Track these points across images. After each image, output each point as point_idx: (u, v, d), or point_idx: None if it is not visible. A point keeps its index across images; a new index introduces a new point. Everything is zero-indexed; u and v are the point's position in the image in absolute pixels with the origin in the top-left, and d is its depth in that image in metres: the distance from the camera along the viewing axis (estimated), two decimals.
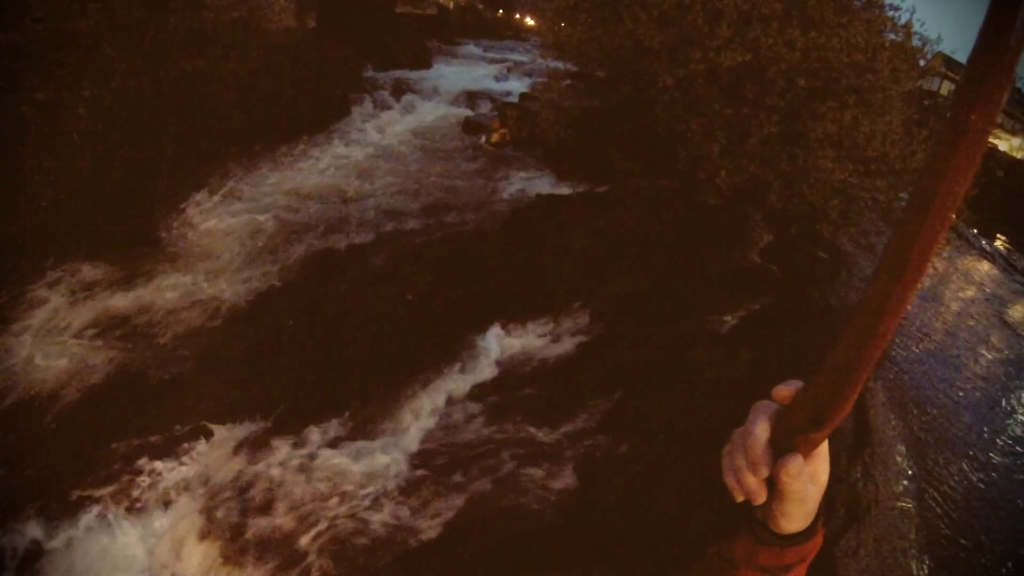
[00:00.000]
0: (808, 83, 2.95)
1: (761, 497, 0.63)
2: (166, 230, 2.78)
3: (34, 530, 1.96)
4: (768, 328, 2.22)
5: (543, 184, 2.63)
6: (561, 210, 2.63)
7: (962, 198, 0.49)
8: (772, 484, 0.62)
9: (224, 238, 2.70)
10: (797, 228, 2.75)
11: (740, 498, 0.64)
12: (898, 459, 2.03)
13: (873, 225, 3.36)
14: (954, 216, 0.46)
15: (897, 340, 2.25)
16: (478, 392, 2.27)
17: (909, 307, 0.50)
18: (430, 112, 2.95)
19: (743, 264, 2.49)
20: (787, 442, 0.62)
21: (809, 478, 0.62)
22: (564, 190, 2.61)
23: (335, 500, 2.11)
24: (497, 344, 2.34)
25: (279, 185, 2.88)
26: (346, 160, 2.81)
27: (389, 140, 2.92)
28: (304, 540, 2.05)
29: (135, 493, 2.08)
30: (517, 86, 3.12)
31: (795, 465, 0.60)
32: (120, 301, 2.47)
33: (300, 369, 2.31)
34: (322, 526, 2.07)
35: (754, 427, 0.63)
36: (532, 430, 2.19)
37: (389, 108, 2.99)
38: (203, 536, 2.04)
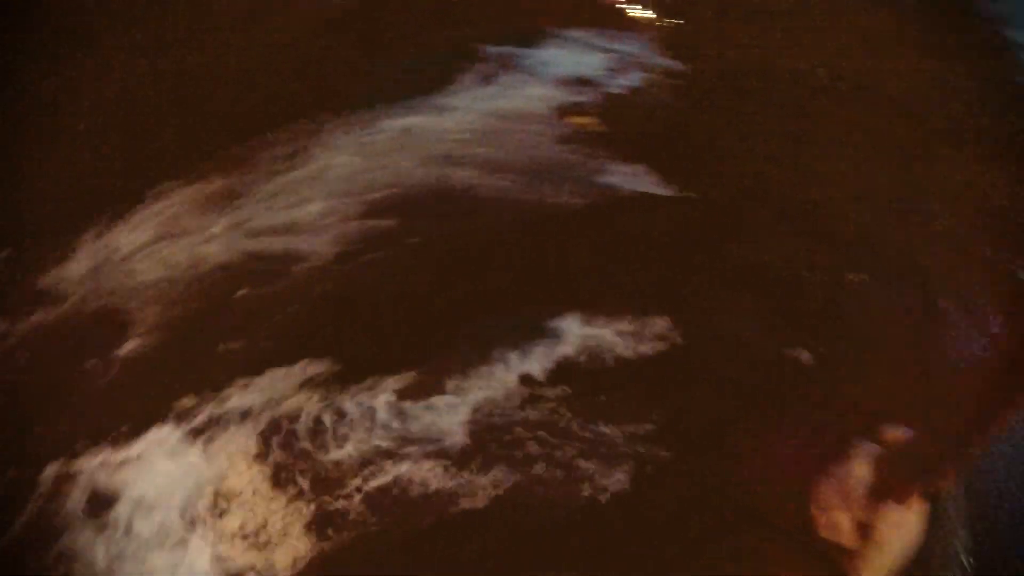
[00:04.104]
0: None
1: (850, 540, 0.62)
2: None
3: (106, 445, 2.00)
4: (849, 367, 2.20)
5: (638, 182, 2.60)
6: (655, 211, 2.60)
7: None
8: (864, 529, 0.60)
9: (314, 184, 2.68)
10: None
11: (825, 535, 0.62)
12: (961, 554, 2.01)
13: None
14: None
15: None
16: (549, 374, 2.26)
17: None
18: (533, 91, 2.90)
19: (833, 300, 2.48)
20: (891, 489, 0.60)
21: (901, 532, 0.61)
22: (660, 191, 2.58)
23: (392, 450, 2.12)
24: (574, 332, 2.32)
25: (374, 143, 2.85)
26: (439, 129, 2.77)
27: (487, 113, 2.88)
28: (353, 482, 2.06)
29: (200, 411, 2.10)
30: (625, 80, 3.07)
31: (899, 515, 0.59)
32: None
33: (378, 320, 2.31)
34: (373, 473, 2.08)
35: (855, 467, 0.61)
36: (594, 424, 2.19)
37: (493, 82, 2.93)
38: (256, 459, 2.05)
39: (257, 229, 2.36)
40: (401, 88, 2.92)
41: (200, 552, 1.91)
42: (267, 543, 1.93)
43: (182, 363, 2.22)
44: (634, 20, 3.27)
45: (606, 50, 3.23)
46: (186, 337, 2.25)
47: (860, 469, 0.53)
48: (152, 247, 2.22)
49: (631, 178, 2.82)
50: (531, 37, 3.05)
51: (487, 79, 3.22)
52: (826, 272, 2.54)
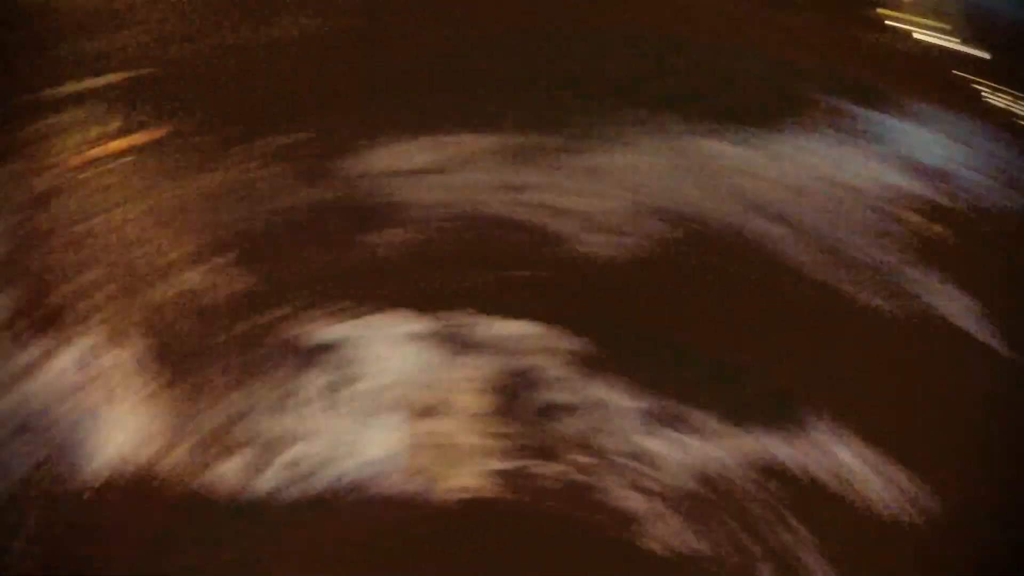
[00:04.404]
0: None
1: None
2: None
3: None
4: None
5: (963, 318, 2.18)
6: (971, 360, 2.17)
7: None
8: None
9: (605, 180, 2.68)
10: None
11: None
12: None
13: None
14: None
15: None
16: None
17: None
18: (863, 161, 2.58)
19: None
20: None
21: None
22: (990, 342, 2.14)
23: None
24: (820, 433, 2.05)
25: None
26: (751, 166, 2.59)
27: (804, 168, 2.63)
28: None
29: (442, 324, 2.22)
30: (976, 187, 2.61)
31: None
32: None
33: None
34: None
35: None
36: None
37: (819, 135, 2.67)
38: (479, 392, 2.12)
39: (549, 204, 2.42)
40: (729, 114, 2.77)
41: (386, 434, 2.04)
42: (453, 459, 2.01)
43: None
44: (993, 108, 2.72)
45: (959, 140, 2.74)
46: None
47: None
48: (436, 175, 2.38)
49: (955, 308, 2.37)
50: (870, 95, 2.66)
51: (814, 130, 2.91)
52: None
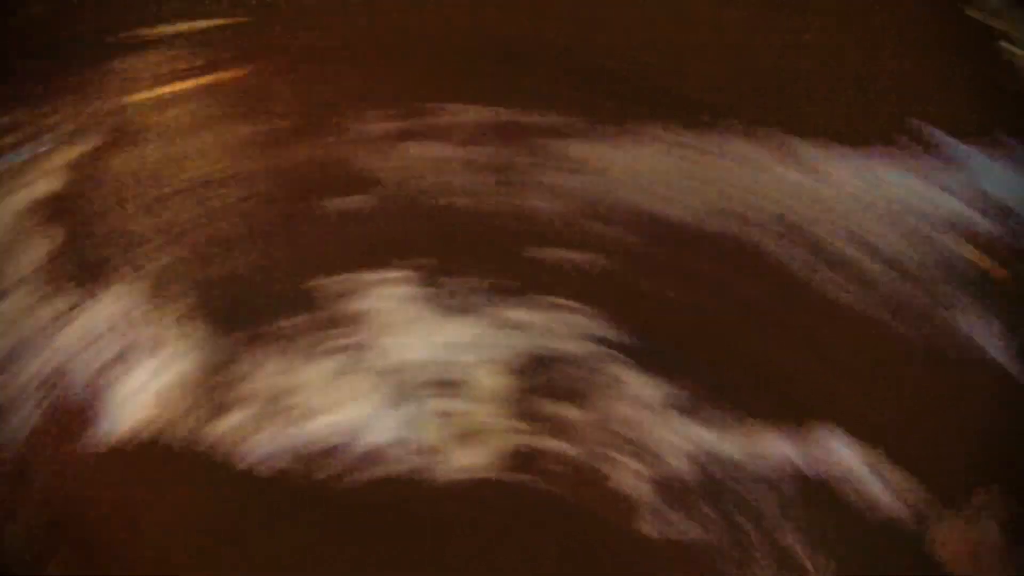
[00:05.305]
0: None
1: None
2: None
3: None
4: None
5: (997, 351, 2.12)
6: (991, 386, 2.12)
7: None
8: None
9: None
10: None
11: None
12: None
13: None
14: None
15: None
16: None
17: None
18: (938, 190, 2.53)
19: None
20: None
21: None
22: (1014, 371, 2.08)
23: None
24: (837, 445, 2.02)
25: None
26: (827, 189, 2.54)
27: (878, 190, 2.58)
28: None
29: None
30: None
31: None
32: None
33: None
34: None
35: None
36: None
37: (905, 162, 2.61)
38: (502, 370, 2.11)
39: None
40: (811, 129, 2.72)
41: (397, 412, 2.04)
42: (464, 437, 2.00)
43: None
44: None
45: None
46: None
47: None
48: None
49: (991, 342, 2.31)
50: (964, 129, 2.60)
51: (902, 158, 2.85)
52: None
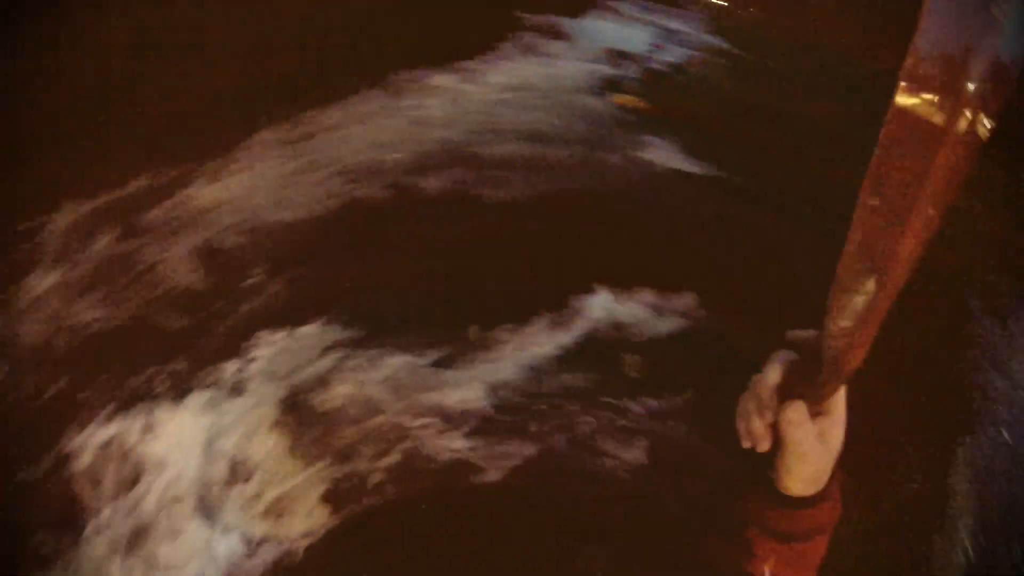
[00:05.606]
0: None
1: (764, 444, 0.62)
2: None
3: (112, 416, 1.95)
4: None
5: (675, 159, 2.56)
6: (689, 189, 2.56)
7: None
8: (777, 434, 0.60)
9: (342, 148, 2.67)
10: None
11: (746, 444, 0.63)
12: (964, 535, 1.98)
13: None
14: None
15: None
16: (573, 349, 2.26)
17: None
18: (572, 62, 2.86)
19: None
20: (794, 389, 0.60)
21: (818, 437, 0.60)
22: (697, 170, 2.54)
23: (413, 418, 2.12)
24: (598, 307, 2.31)
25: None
26: (474, 97, 2.75)
27: (525, 83, 2.85)
28: (374, 450, 2.07)
29: (214, 379, 2.09)
30: (669, 57, 3.01)
31: (795, 410, 0.58)
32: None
33: (406, 282, 2.32)
34: (390, 443, 2.09)
35: (766, 370, 0.61)
36: (616, 399, 2.18)
37: (534, 51, 2.90)
38: (274, 427, 2.06)
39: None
40: (438, 54, 2.91)
41: (216, 523, 1.91)
42: (284, 513, 1.94)
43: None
44: None
45: (653, 25, 3.18)
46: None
47: (772, 370, 0.53)
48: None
49: (666, 155, 2.78)
50: (576, 6, 3.00)
51: (528, 48, 3.20)
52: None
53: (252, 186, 2.42)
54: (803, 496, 0.61)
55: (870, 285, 0.48)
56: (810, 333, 0.59)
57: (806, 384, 0.58)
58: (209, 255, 2.23)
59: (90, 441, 1.88)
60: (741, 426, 0.62)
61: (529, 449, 2.11)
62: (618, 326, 2.27)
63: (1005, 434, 1.95)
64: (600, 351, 2.22)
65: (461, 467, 2.08)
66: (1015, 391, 2.12)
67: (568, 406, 2.17)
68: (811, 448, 0.60)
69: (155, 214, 2.25)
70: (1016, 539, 1.89)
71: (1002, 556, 1.85)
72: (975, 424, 2.05)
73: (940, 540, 1.90)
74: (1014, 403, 2.18)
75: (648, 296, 2.31)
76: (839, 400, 0.58)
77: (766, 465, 0.63)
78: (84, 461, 1.86)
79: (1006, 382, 2.14)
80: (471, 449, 2.10)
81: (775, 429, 0.60)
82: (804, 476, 0.61)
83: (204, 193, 2.32)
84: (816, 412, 0.59)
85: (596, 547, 1.90)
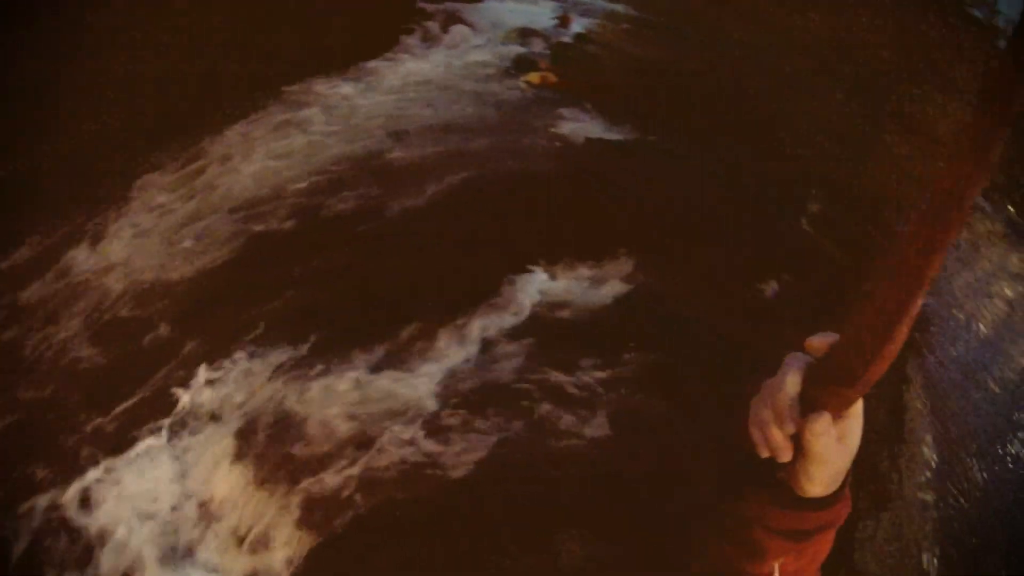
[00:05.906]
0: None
1: (786, 455, 0.60)
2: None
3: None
4: (819, 299, 2.23)
5: (593, 128, 2.56)
6: (611, 156, 2.57)
7: None
8: (798, 442, 0.58)
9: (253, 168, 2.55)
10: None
11: (765, 453, 0.61)
12: (924, 449, 2.07)
13: None
14: None
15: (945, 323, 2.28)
16: (515, 332, 2.24)
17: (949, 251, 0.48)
18: (479, 47, 2.81)
19: (793, 232, 2.49)
20: (817, 398, 0.59)
21: (838, 439, 0.59)
22: (616, 136, 2.54)
23: (369, 428, 2.06)
24: (536, 286, 2.29)
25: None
26: (383, 94, 2.68)
27: (430, 75, 2.79)
28: (335, 467, 2.01)
29: (167, 418, 1.99)
30: (573, 27, 3.00)
31: (821, 423, 0.56)
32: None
33: (337, 298, 2.25)
34: (355, 454, 2.03)
35: (784, 379, 0.59)
36: (567, 376, 2.17)
37: (437, 41, 2.82)
38: (236, 459, 1.98)
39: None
40: (340, 55, 2.80)
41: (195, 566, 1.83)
42: (261, 544, 1.87)
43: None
44: None
45: None
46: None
47: (791, 380, 0.51)
48: None
49: (585, 126, 2.77)
50: None
51: (432, 38, 3.13)
52: (789, 205, 2.54)
53: (139, 244, 2.27)
54: (817, 498, 0.59)
55: (907, 306, 0.49)
56: (830, 339, 0.57)
57: (827, 392, 0.56)
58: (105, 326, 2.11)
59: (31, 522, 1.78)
60: (757, 435, 0.59)
61: (489, 440, 2.08)
62: (558, 303, 2.26)
63: (952, 351, 2.05)
64: (543, 329, 2.20)
65: (426, 469, 2.04)
66: (949, 310, 2.24)
67: (521, 390, 2.15)
68: (833, 453, 0.57)
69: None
70: (974, 453, 1.99)
71: (961, 468, 1.95)
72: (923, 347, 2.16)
73: (905, 453, 1.99)
74: (954, 322, 2.29)
75: (584, 269, 2.30)
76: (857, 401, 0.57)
77: (772, 468, 0.60)
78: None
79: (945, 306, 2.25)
80: (433, 451, 2.06)
81: (796, 438, 0.57)
82: (824, 479, 0.58)
83: (90, 260, 2.18)
84: (837, 416, 0.57)
85: (572, 529, 1.89)
